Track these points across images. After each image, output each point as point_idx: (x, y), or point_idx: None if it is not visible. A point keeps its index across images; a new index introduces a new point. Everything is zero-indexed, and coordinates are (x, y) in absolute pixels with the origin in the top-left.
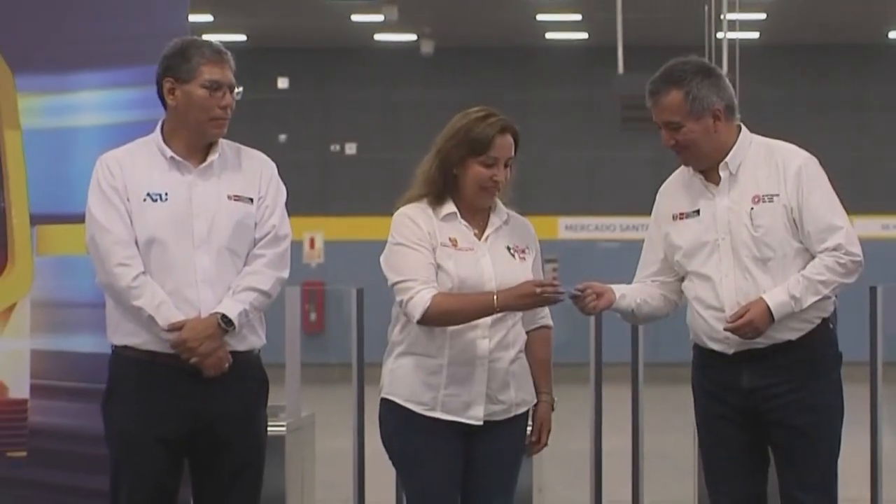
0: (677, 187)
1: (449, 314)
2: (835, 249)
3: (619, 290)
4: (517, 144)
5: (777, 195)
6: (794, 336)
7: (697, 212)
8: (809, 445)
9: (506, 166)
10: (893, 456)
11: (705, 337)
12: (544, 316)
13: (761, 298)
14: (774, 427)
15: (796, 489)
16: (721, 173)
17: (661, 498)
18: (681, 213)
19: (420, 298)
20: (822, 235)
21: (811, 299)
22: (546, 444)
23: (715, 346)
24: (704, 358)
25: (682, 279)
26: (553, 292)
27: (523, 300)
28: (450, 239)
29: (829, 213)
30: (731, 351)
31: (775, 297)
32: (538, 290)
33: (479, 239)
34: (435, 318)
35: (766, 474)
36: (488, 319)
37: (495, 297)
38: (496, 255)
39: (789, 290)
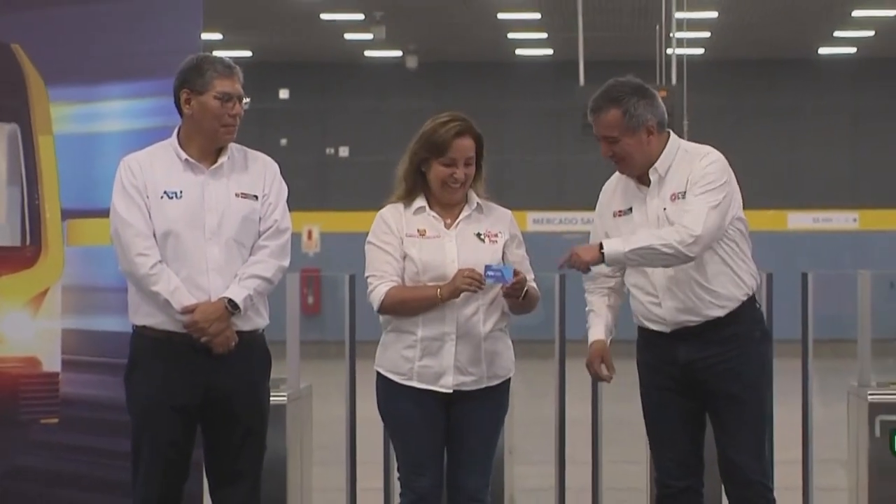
0: (615, 188)
1: (400, 304)
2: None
3: (601, 332)
4: (480, 145)
5: (685, 192)
6: (721, 313)
7: (631, 209)
8: (740, 411)
9: (467, 165)
10: (822, 421)
11: (644, 319)
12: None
13: (590, 245)
14: (709, 395)
15: (730, 451)
16: (651, 177)
17: (617, 458)
18: (619, 211)
19: (377, 292)
20: (681, 211)
21: (636, 246)
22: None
23: (654, 326)
24: (646, 337)
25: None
26: (472, 283)
27: (453, 286)
28: (418, 230)
29: (695, 200)
30: (668, 330)
31: (610, 245)
32: (463, 277)
33: (449, 228)
34: (389, 309)
35: (703, 439)
36: (456, 301)
37: (439, 289)
38: (462, 241)
39: (625, 239)
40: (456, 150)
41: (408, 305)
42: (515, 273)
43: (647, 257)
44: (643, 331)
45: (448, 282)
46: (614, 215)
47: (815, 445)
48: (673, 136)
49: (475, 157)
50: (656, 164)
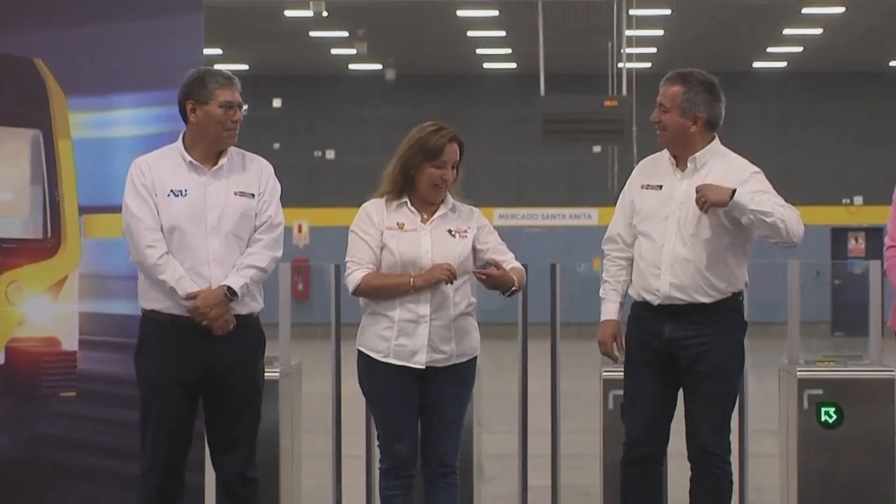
0: (649, 166)
1: (373, 290)
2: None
3: (615, 311)
4: (462, 151)
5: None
6: (708, 300)
7: (661, 187)
8: (710, 389)
9: (453, 167)
10: (756, 395)
11: (641, 289)
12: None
13: (723, 187)
14: (686, 371)
15: (699, 422)
16: (689, 164)
17: (573, 428)
18: (647, 185)
19: (354, 277)
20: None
21: (764, 213)
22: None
23: (647, 296)
24: (638, 311)
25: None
26: (450, 276)
27: (430, 276)
28: (397, 224)
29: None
30: (657, 302)
31: (740, 192)
32: (442, 270)
33: (425, 223)
34: (363, 293)
35: (673, 413)
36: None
37: (412, 278)
38: (436, 236)
39: (753, 197)
40: (447, 154)
41: (382, 291)
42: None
43: (761, 224)
44: (637, 305)
45: (424, 272)
46: (642, 187)
47: (750, 417)
48: (717, 140)
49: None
50: (696, 155)
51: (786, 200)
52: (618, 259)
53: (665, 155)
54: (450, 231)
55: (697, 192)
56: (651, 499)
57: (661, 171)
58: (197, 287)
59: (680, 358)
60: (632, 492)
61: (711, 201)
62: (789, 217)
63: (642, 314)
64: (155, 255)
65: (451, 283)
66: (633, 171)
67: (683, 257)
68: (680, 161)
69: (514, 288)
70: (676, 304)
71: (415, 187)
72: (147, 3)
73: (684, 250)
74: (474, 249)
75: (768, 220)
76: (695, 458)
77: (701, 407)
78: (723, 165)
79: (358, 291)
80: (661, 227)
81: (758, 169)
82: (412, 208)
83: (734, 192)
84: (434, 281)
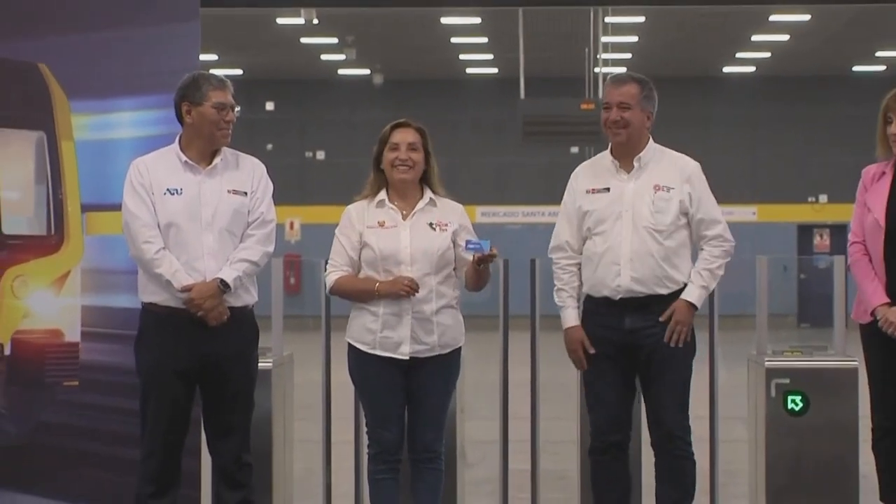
0: (589, 170)
1: (342, 292)
2: (714, 238)
3: (576, 317)
4: (424, 136)
5: (673, 188)
6: (665, 291)
7: (608, 189)
8: (670, 375)
9: (412, 150)
10: (725, 384)
11: (600, 286)
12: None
13: (682, 299)
14: (644, 360)
15: (658, 408)
16: (635, 163)
17: (552, 415)
18: (593, 189)
19: (329, 279)
20: (708, 225)
21: (714, 283)
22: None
23: (607, 292)
24: (593, 307)
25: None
26: (409, 292)
27: (392, 288)
28: (378, 222)
29: (712, 210)
30: (618, 297)
31: (692, 294)
32: (403, 285)
33: (405, 219)
34: (335, 293)
35: (633, 400)
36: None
37: (377, 285)
38: (416, 230)
39: (700, 284)
40: (397, 136)
41: (350, 295)
42: (491, 247)
43: (717, 279)
44: (590, 301)
45: (388, 281)
46: (588, 192)
47: (720, 404)
48: (651, 138)
49: (422, 146)
50: (641, 155)
51: (753, 199)
52: (568, 266)
53: (604, 159)
54: (430, 224)
55: (673, 330)
56: (619, 484)
57: (604, 173)
58: (192, 280)
59: (641, 347)
60: (601, 479)
61: (686, 328)
62: (717, 258)
63: (599, 309)
64: (152, 250)
65: (412, 296)
66: (571, 180)
67: (643, 252)
68: (623, 162)
69: (480, 279)
70: (637, 296)
71: (388, 182)
72: (146, 12)
73: (643, 246)
74: (454, 244)
75: (717, 276)
76: (659, 443)
77: (664, 393)
78: (665, 164)
79: (332, 292)
80: (616, 226)
81: (696, 162)
82: (392, 205)
83: (693, 305)
84: (395, 292)
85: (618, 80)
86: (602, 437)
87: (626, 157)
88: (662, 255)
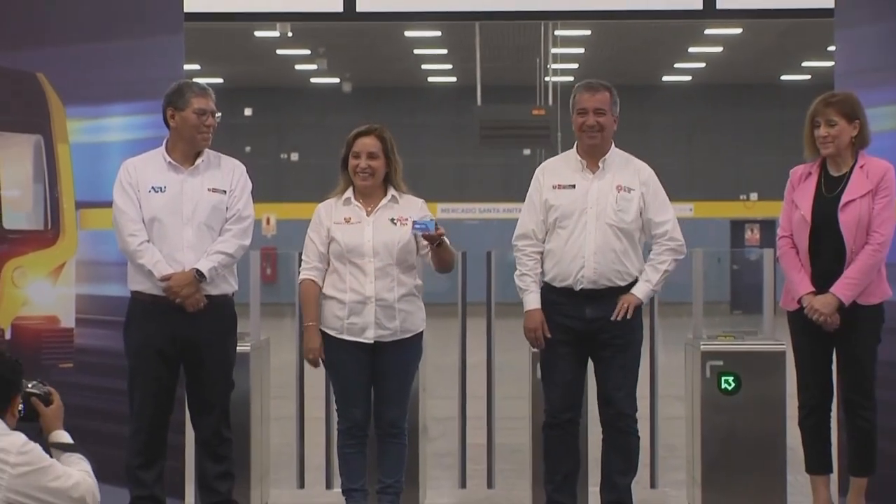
0: (556, 167)
1: (301, 296)
2: (663, 235)
3: (538, 301)
4: (385, 143)
5: (633, 189)
6: (623, 283)
7: (573, 186)
8: (622, 359)
9: (372, 158)
10: (665, 366)
11: (563, 276)
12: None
13: (631, 293)
14: (600, 344)
15: (611, 388)
16: (600, 164)
17: (506, 394)
18: (559, 185)
19: (300, 277)
20: (658, 225)
21: (662, 279)
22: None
23: (570, 282)
24: (555, 297)
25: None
26: (314, 361)
27: (306, 347)
28: (344, 218)
29: (663, 211)
30: (580, 287)
31: (640, 290)
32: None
33: (368, 215)
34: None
35: (585, 380)
36: (374, 272)
37: (312, 323)
38: (378, 225)
39: (646, 280)
40: (358, 146)
41: (302, 304)
42: (436, 227)
43: (666, 278)
44: (551, 290)
45: (308, 338)
46: (555, 187)
47: (660, 384)
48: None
49: (383, 153)
50: (606, 157)
51: (690, 197)
52: (532, 253)
53: (571, 157)
54: (392, 220)
55: (620, 308)
56: (570, 455)
57: (570, 171)
58: (172, 270)
59: (600, 333)
60: (553, 450)
61: (631, 306)
62: (667, 258)
63: (560, 299)
64: (135, 242)
65: (315, 367)
66: (538, 174)
67: (605, 248)
68: (590, 162)
69: (443, 259)
70: (599, 288)
71: (353, 182)
72: (135, 25)
73: (606, 241)
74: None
75: (665, 272)
76: (609, 421)
77: (617, 375)
78: (625, 166)
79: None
80: (580, 221)
81: (650, 168)
82: (357, 203)
83: (639, 299)
84: (307, 349)
85: (592, 87)
86: (556, 414)
87: (592, 157)
88: (622, 250)
